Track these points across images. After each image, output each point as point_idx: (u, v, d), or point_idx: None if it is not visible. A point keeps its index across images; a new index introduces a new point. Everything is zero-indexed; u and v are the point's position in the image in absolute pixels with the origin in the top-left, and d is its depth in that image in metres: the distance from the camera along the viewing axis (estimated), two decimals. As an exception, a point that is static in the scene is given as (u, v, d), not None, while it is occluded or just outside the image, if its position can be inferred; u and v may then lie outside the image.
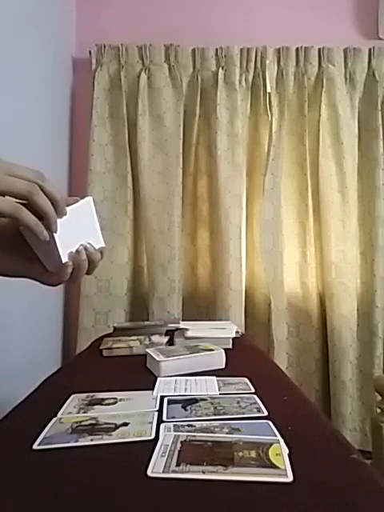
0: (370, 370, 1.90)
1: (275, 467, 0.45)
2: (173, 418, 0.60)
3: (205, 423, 0.57)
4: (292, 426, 0.56)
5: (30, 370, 1.37)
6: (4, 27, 1.34)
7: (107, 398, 0.69)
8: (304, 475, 0.44)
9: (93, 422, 0.59)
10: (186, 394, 0.71)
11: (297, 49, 1.99)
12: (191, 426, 0.57)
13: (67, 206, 0.53)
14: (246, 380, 0.79)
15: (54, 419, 0.60)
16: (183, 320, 1.52)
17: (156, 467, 0.45)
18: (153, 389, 0.74)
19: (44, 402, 0.69)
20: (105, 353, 1.07)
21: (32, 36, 1.58)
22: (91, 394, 0.72)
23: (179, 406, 0.65)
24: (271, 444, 0.50)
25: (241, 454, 0.48)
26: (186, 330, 1.18)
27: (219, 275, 1.89)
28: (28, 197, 0.47)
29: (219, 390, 0.73)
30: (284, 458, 0.47)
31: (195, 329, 1.20)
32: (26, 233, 0.54)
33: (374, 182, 1.95)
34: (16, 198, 0.47)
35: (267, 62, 1.97)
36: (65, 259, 0.54)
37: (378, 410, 1.12)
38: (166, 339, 1.15)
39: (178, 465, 0.45)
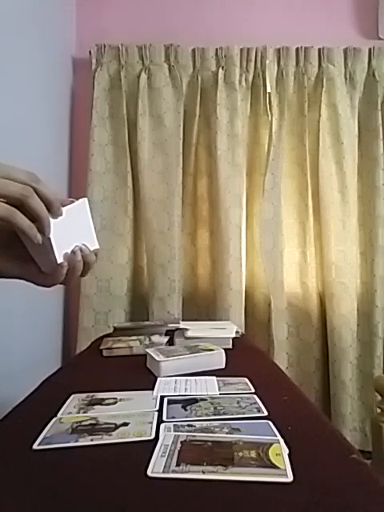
0: (370, 370, 1.90)
1: (275, 467, 0.45)
2: (173, 418, 0.60)
3: (205, 423, 0.57)
4: (292, 426, 0.56)
5: (29, 370, 1.37)
6: (4, 27, 1.34)
7: (107, 398, 0.69)
8: (304, 475, 0.44)
9: (93, 421, 0.59)
10: (186, 393, 0.71)
11: (297, 49, 1.99)
12: (191, 425, 0.57)
13: (63, 206, 0.53)
14: (246, 380, 0.79)
15: (54, 419, 0.60)
16: (183, 320, 1.52)
17: (156, 467, 0.45)
18: (153, 389, 0.74)
19: (44, 402, 0.69)
20: (105, 353, 1.07)
21: (32, 36, 1.58)
22: (91, 394, 0.72)
23: (179, 405, 0.65)
24: (271, 444, 0.50)
25: (241, 454, 0.48)
26: (186, 329, 1.18)
27: (219, 275, 1.89)
28: (22, 200, 0.47)
29: (219, 390, 0.73)
30: (284, 458, 0.47)
31: (195, 329, 1.20)
32: (20, 233, 0.53)
33: (374, 182, 1.95)
34: (9, 202, 0.47)
35: (267, 62, 1.97)
36: (60, 260, 0.54)
37: (378, 410, 1.12)
38: (165, 339, 1.15)
39: (178, 465, 0.45)
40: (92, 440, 0.53)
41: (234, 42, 1.97)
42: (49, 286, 0.58)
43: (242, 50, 1.97)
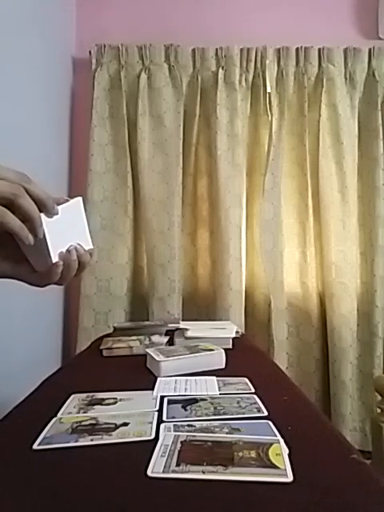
0: (370, 370, 1.90)
1: (275, 467, 0.45)
2: (173, 418, 0.60)
3: (205, 423, 0.57)
4: (292, 426, 0.56)
5: (30, 370, 1.37)
6: (4, 27, 1.34)
7: (107, 398, 0.69)
8: (304, 475, 0.44)
9: (93, 421, 0.59)
10: (186, 393, 0.71)
11: (297, 49, 1.99)
12: (191, 425, 0.57)
13: (57, 205, 0.53)
14: (246, 380, 0.79)
15: (54, 419, 0.60)
16: (183, 320, 1.52)
17: (156, 467, 0.45)
18: (153, 389, 0.74)
19: (44, 402, 0.69)
20: (105, 353, 1.07)
21: (32, 36, 1.58)
22: (91, 394, 0.72)
23: (179, 406, 0.65)
24: (271, 444, 0.50)
25: (241, 454, 0.48)
26: (186, 329, 1.18)
27: (219, 275, 1.89)
28: (13, 200, 0.46)
29: (219, 390, 0.73)
30: (284, 458, 0.47)
31: (195, 329, 1.20)
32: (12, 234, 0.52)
33: (374, 182, 1.95)
34: (0, 202, 0.46)
35: (267, 62, 1.97)
36: (55, 259, 0.53)
37: (378, 410, 1.12)
38: (165, 339, 1.15)
39: (178, 465, 0.45)
40: (92, 440, 0.53)
41: (234, 42, 1.96)
42: (43, 286, 0.57)
43: (241, 50, 1.97)
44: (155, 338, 1.15)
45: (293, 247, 2.00)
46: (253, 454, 0.47)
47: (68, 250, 0.54)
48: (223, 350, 0.91)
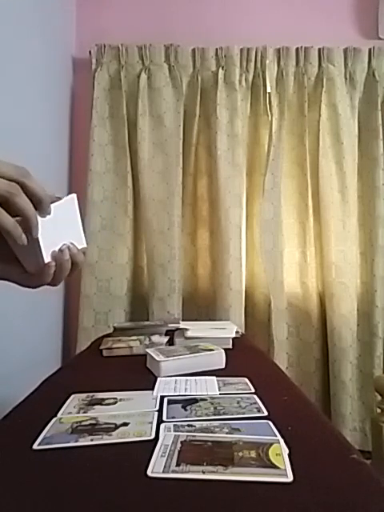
0: (370, 370, 1.90)
1: (275, 467, 0.45)
2: (173, 418, 0.60)
3: (205, 423, 0.57)
4: (292, 426, 0.56)
5: (29, 370, 1.37)
6: (4, 27, 1.34)
7: (107, 398, 0.69)
8: (304, 475, 0.44)
9: (93, 421, 0.59)
10: (186, 393, 0.71)
11: (297, 49, 1.99)
12: (191, 425, 0.57)
13: (51, 203, 0.50)
14: (246, 380, 0.79)
15: (54, 419, 0.60)
16: (183, 320, 1.52)
17: (156, 467, 0.45)
18: (153, 389, 0.74)
19: (44, 402, 0.69)
20: (105, 353, 1.07)
21: (32, 36, 1.58)
22: (91, 394, 0.72)
23: (179, 406, 0.65)
24: (271, 444, 0.50)
25: (241, 454, 0.48)
26: (186, 329, 1.18)
27: (219, 275, 1.89)
28: (7, 197, 0.44)
29: (219, 390, 0.73)
30: (284, 458, 0.47)
31: (195, 329, 1.20)
32: (5, 233, 0.49)
33: (374, 182, 1.95)
34: None
35: (267, 61, 1.97)
36: (47, 259, 0.51)
37: (378, 410, 1.12)
38: (165, 339, 1.15)
39: (178, 465, 0.45)
40: (92, 440, 0.53)
41: (233, 42, 1.96)
42: (34, 287, 0.54)
43: (241, 50, 1.97)
44: (155, 338, 1.15)
45: (293, 247, 2.00)
46: (253, 453, 0.47)
47: (60, 250, 0.52)
48: (223, 350, 0.91)
